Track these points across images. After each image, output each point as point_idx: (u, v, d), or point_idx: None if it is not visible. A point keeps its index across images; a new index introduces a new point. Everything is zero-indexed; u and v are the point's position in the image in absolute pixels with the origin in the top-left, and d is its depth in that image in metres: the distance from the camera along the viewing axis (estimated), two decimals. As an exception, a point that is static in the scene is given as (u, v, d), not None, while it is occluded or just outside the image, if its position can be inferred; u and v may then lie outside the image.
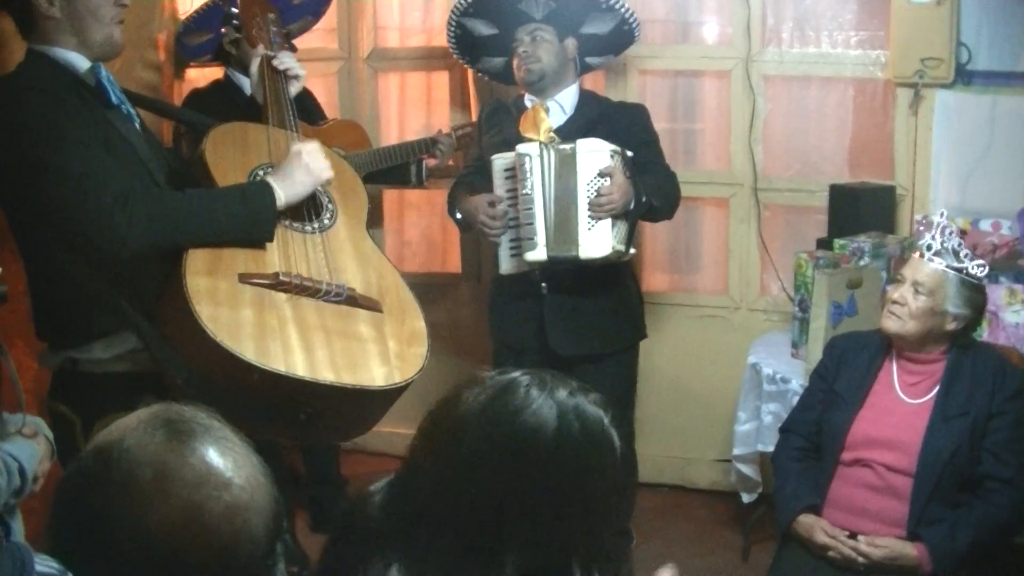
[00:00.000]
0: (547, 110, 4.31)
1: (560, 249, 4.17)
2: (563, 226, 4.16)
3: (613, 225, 4.15)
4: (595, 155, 4.14)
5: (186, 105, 4.84)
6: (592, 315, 4.38)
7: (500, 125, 4.51)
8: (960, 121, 4.89)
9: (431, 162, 5.10)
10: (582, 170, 4.13)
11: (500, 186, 4.32)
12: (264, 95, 3.50)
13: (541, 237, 4.17)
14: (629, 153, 4.22)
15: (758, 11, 5.17)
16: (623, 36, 4.69)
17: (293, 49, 4.28)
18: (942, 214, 3.61)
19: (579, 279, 4.27)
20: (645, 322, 4.68)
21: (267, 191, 3.07)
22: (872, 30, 5.08)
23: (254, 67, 3.60)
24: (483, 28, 4.64)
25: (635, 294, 4.63)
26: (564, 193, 4.16)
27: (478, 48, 4.78)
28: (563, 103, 4.47)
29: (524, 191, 4.18)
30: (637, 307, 4.63)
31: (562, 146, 4.16)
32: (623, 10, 4.54)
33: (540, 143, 4.18)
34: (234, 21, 3.85)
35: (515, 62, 4.46)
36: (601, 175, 4.11)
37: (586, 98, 4.54)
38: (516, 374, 1.92)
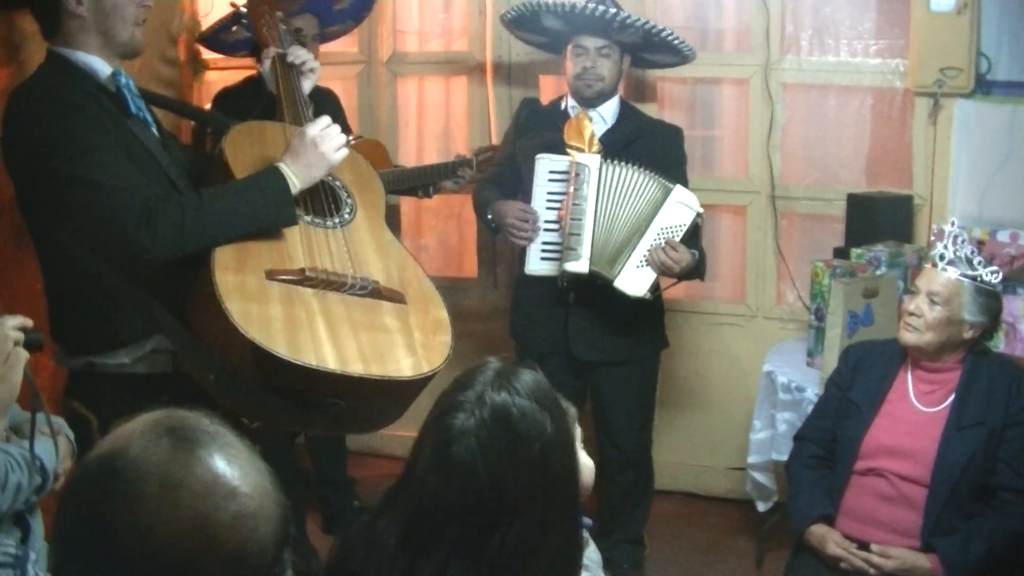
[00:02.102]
0: (590, 119, 4.31)
1: (602, 267, 4.19)
2: (614, 249, 4.19)
3: (655, 277, 4.20)
4: (682, 208, 4.18)
5: (215, 103, 4.85)
6: (615, 323, 4.38)
7: (539, 127, 4.50)
8: (979, 131, 4.88)
9: (447, 185, 5.06)
10: (665, 213, 4.17)
11: (541, 187, 4.32)
12: (278, 93, 3.52)
13: (586, 250, 4.18)
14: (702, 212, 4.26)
15: (777, 19, 5.16)
16: (674, 61, 4.73)
17: (316, 53, 4.31)
18: (953, 223, 3.60)
19: (606, 289, 4.26)
20: (666, 333, 4.67)
21: (279, 177, 3.08)
22: (892, 39, 5.07)
23: (266, 66, 3.62)
24: (553, 21, 4.61)
25: (659, 305, 4.62)
26: (625, 215, 4.19)
27: (530, 25, 4.74)
28: (604, 114, 4.49)
29: (576, 202, 4.18)
30: (660, 317, 4.63)
31: (655, 176, 4.19)
32: (687, 52, 4.56)
33: (601, 157, 4.19)
34: (243, 20, 3.86)
35: (573, 68, 4.45)
36: (676, 237, 4.16)
37: (626, 111, 4.54)
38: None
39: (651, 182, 4.19)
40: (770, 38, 5.17)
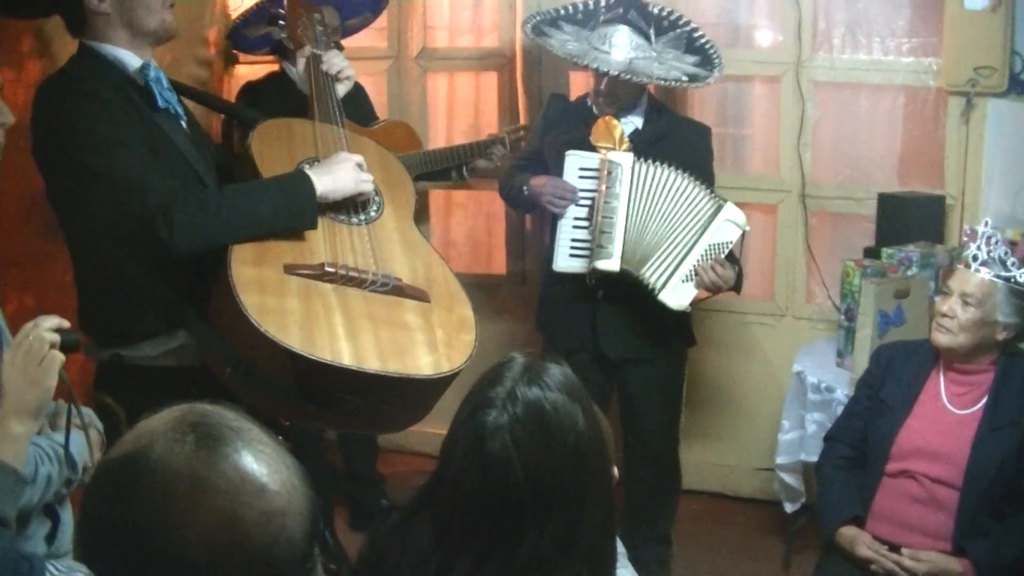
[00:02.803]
0: (619, 119, 4.29)
1: (633, 266, 4.17)
2: (647, 248, 4.17)
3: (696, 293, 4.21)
4: (730, 226, 4.16)
5: (240, 98, 4.87)
6: (644, 320, 4.35)
7: (568, 124, 4.46)
8: (1012, 130, 4.84)
9: (480, 163, 5.08)
10: (713, 230, 4.15)
11: (571, 183, 4.30)
12: (310, 93, 3.51)
13: (617, 248, 4.16)
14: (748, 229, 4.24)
15: (809, 16, 5.13)
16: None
17: (340, 48, 4.29)
18: (987, 223, 3.57)
19: (634, 286, 4.24)
20: (693, 330, 4.65)
21: (306, 181, 3.09)
22: (925, 37, 5.03)
23: (300, 65, 3.62)
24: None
25: None
26: (666, 221, 4.17)
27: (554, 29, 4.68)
28: (632, 117, 4.42)
29: (607, 200, 4.16)
30: (687, 314, 4.61)
31: (715, 197, 4.18)
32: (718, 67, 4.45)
33: (634, 157, 4.18)
34: (280, 22, 3.86)
35: (593, 83, 4.39)
36: (721, 254, 4.15)
37: (654, 108, 4.48)
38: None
39: (700, 194, 4.16)
40: (802, 35, 5.14)
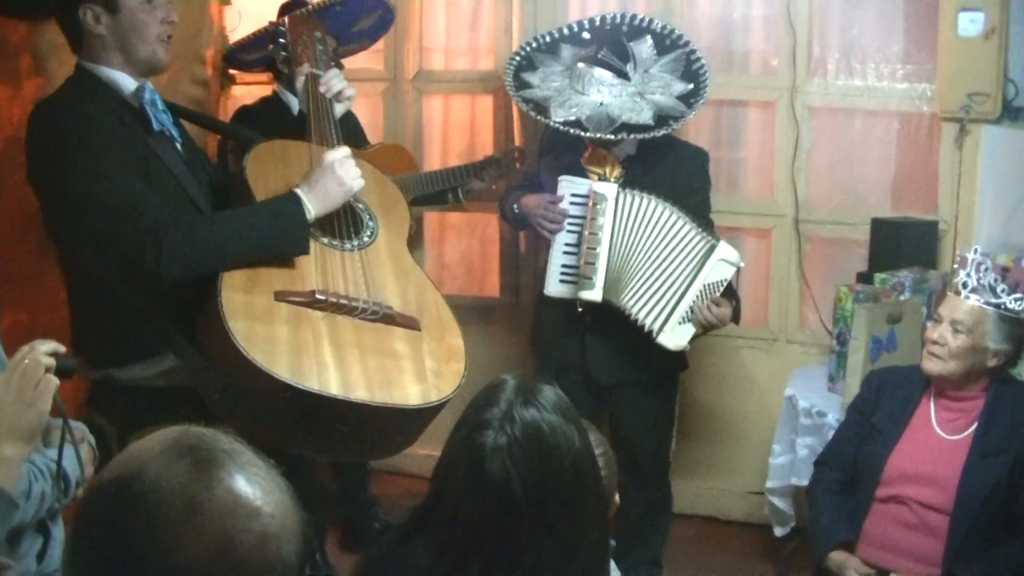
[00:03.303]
0: (611, 149, 4.31)
1: (616, 296, 4.19)
2: (629, 278, 4.19)
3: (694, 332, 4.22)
4: (724, 266, 4.17)
5: (234, 121, 4.87)
6: (634, 345, 4.35)
7: (563, 148, 4.47)
8: (1005, 157, 4.85)
9: (476, 184, 5.10)
10: (707, 270, 4.16)
11: (564, 207, 4.30)
12: (308, 112, 3.51)
13: (600, 279, 4.18)
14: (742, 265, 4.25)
15: (804, 41, 5.15)
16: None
17: (340, 67, 4.30)
18: (976, 250, 3.59)
19: (622, 314, 4.25)
20: (685, 353, 4.66)
21: (296, 204, 3.08)
22: (919, 63, 5.05)
23: (299, 84, 3.62)
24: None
25: None
26: (651, 254, 4.18)
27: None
28: (626, 143, 4.41)
29: (592, 231, 4.18)
30: None
31: (705, 235, 4.18)
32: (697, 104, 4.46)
33: (619, 186, 4.19)
34: (280, 40, 3.87)
35: None
36: (716, 292, 4.17)
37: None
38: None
39: (691, 232, 4.16)
40: (796, 61, 5.16)
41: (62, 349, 2.40)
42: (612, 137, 4.22)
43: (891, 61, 5.11)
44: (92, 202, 2.90)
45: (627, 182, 4.24)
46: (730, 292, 4.22)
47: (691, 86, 4.44)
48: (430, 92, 5.84)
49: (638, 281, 4.18)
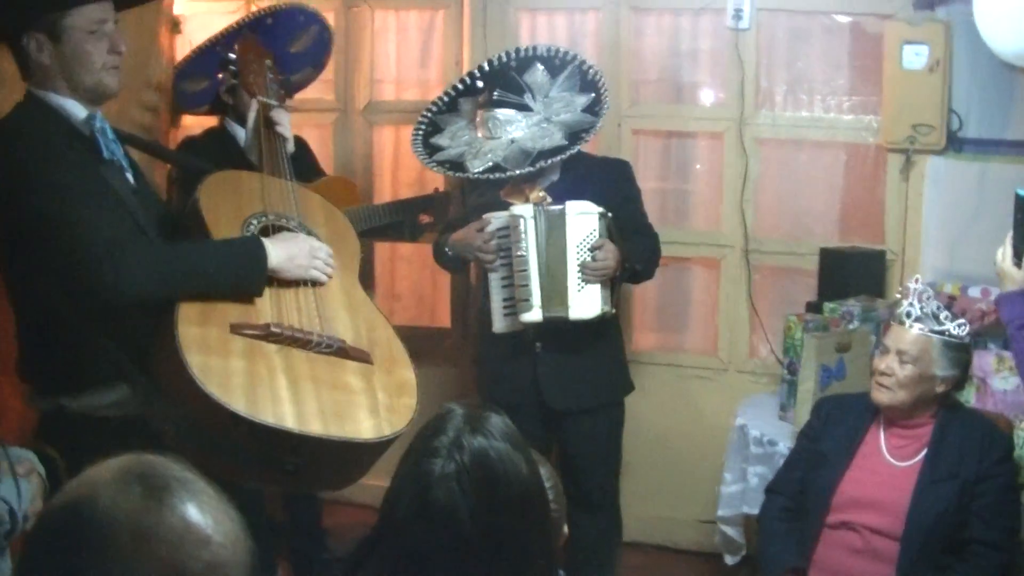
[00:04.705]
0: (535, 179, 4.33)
1: (553, 310, 4.19)
2: (555, 287, 4.19)
3: (602, 287, 4.19)
4: (584, 217, 4.18)
5: (180, 152, 4.83)
6: (584, 370, 4.38)
7: (486, 186, 4.47)
8: (950, 187, 4.92)
9: (426, 219, 5.09)
10: (572, 232, 4.17)
11: (493, 243, 4.32)
12: (259, 143, 3.51)
13: (536, 298, 4.19)
14: (604, 211, 4.23)
15: (752, 74, 5.20)
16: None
17: (290, 97, 4.30)
18: (917, 279, 3.65)
19: (572, 336, 4.28)
20: (631, 377, 4.68)
21: (259, 248, 3.09)
22: (865, 95, 5.12)
23: (252, 113, 3.62)
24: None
25: (621, 348, 4.64)
26: (555, 254, 4.19)
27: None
28: (548, 171, 4.41)
29: (519, 252, 4.19)
30: (624, 360, 4.64)
31: (552, 207, 4.19)
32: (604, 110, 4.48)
33: (534, 205, 4.20)
34: (231, 67, 3.86)
35: None
36: (592, 243, 4.16)
37: (569, 157, 4.42)
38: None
39: (556, 210, 4.19)
40: (744, 93, 5.21)
41: None
42: (532, 169, 4.25)
43: (837, 93, 5.17)
44: (50, 220, 2.89)
45: (554, 204, 4.26)
46: (618, 245, 4.22)
47: (592, 95, 4.48)
48: (380, 123, 5.85)
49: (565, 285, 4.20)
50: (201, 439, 2.85)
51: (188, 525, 1.42)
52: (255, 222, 3.25)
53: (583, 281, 4.18)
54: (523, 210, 4.21)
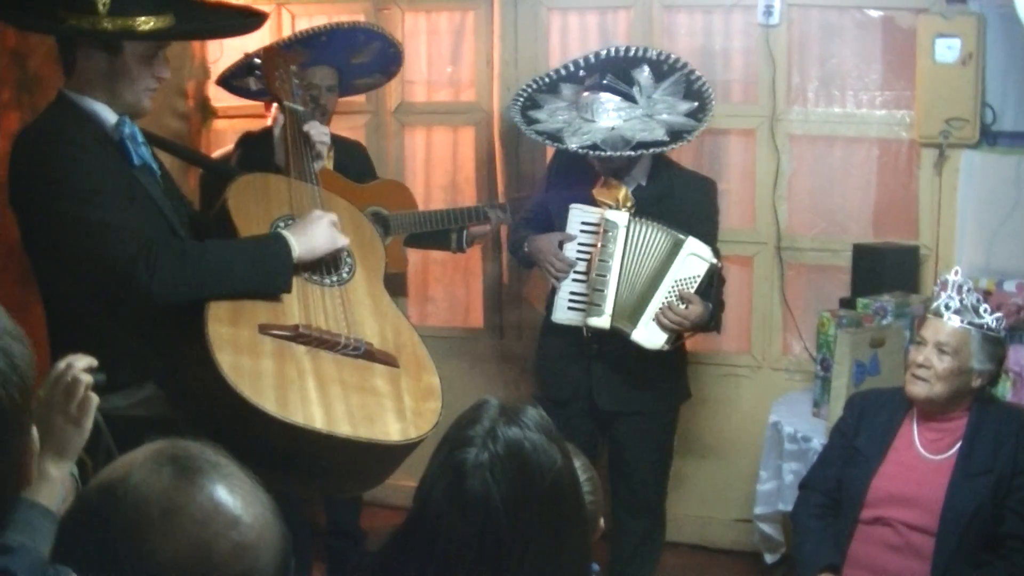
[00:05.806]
0: (621, 178, 4.33)
1: (621, 323, 4.20)
2: (632, 305, 4.20)
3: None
4: (696, 260, 4.18)
5: (238, 148, 4.83)
6: (639, 374, 4.37)
7: (572, 178, 4.47)
8: (985, 182, 4.88)
9: (477, 229, 5.07)
10: (678, 265, 4.17)
11: (573, 233, 4.33)
12: (286, 147, 3.52)
13: (608, 306, 4.19)
14: (718, 264, 4.23)
15: (784, 70, 5.19)
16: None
17: (318, 103, 4.30)
18: (956, 272, 3.61)
19: (628, 342, 4.25)
20: (688, 383, 4.66)
21: (283, 243, 3.11)
22: (897, 90, 5.09)
23: (278, 117, 3.64)
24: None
25: (683, 356, 4.61)
26: (648, 276, 4.19)
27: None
28: (636, 174, 4.42)
29: (603, 258, 4.19)
30: (683, 368, 4.62)
31: (670, 230, 4.18)
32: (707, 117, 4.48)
33: (630, 214, 4.20)
34: (256, 72, 3.87)
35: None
36: (688, 287, 4.17)
37: (659, 165, 4.46)
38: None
39: (665, 236, 4.18)
40: (776, 89, 5.20)
41: (95, 363, 2.38)
42: (632, 154, 4.23)
43: (870, 89, 5.15)
44: (82, 223, 2.91)
45: (638, 211, 4.24)
46: (706, 296, 4.21)
47: (696, 104, 4.47)
48: (412, 124, 5.86)
49: (643, 304, 4.19)
50: (227, 441, 2.85)
51: (217, 505, 1.45)
52: (283, 224, 3.27)
53: (658, 316, 4.17)
54: (618, 217, 4.20)
